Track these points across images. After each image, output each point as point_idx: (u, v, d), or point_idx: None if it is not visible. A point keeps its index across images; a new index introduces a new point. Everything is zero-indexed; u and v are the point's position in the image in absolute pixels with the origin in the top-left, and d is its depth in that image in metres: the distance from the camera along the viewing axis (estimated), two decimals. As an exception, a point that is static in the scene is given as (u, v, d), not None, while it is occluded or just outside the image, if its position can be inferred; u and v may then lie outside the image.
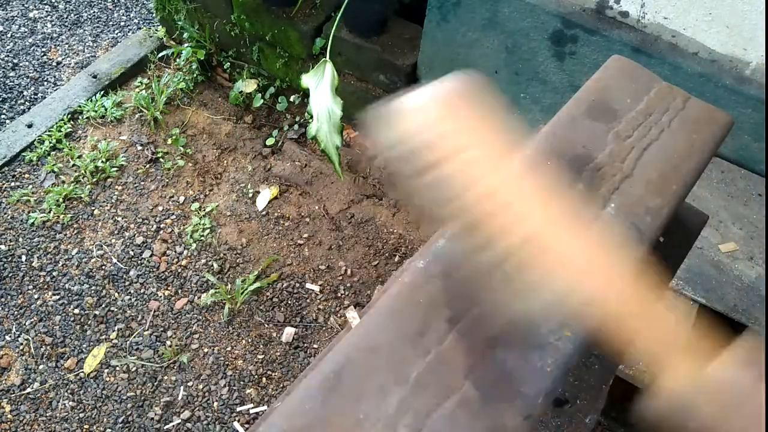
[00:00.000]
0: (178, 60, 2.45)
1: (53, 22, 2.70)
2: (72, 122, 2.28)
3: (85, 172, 2.14)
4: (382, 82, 2.15)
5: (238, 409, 1.75)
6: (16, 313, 1.86)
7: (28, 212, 2.05)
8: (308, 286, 1.98)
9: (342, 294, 1.97)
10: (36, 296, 1.90)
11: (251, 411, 1.75)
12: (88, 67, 2.47)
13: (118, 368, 1.79)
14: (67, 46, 2.62)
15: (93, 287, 1.92)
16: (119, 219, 2.07)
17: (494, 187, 0.46)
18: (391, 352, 0.48)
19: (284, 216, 2.12)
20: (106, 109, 2.31)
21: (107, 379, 1.77)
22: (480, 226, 0.45)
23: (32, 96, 2.42)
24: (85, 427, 1.69)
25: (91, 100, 2.33)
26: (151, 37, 2.57)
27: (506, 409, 0.47)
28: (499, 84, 1.96)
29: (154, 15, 2.55)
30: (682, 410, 0.41)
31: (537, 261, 0.43)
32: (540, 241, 0.44)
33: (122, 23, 2.73)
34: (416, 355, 0.48)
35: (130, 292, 1.93)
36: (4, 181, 2.12)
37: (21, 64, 2.52)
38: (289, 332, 1.88)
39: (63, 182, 2.13)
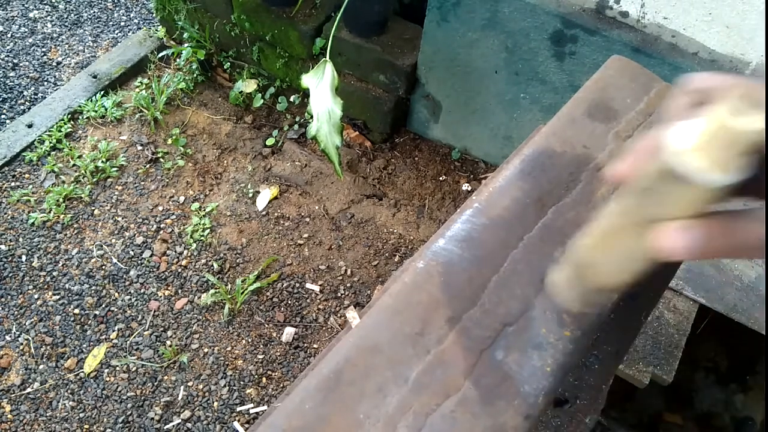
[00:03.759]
0: (178, 60, 2.45)
1: (53, 22, 2.70)
2: (72, 122, 2.28)
3: (85, 172, 2.14)
4: (382, 82, 2.15)
5: (238, 409, 1.75)
6: (16, 313, 1.86)
7: (28, 212, 2.05)
8: (308, 286, 1.98)
9: (342, 294, 1.97)
10: (36, 296, 1.90)
11: (251, 411, 1.75)
12: (88, 67, 2.47)
13: (118, 368, 1.79)
14: (67, 46, 2.62)
15: (93, 287, 1.92)
16: (119, 219, 2.07)
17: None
18: (391, 352, 0.48)
19: (284, 216, 2.12)
20: (106, 109, 2.31)
21: (107, 379, 1.77)
22: None
23: (32, 96, 2.42)
24: (85, 427, 1.69)
25: (91, 100, 2.33)
26: (151, 37, 2.57)
27: (506, 409, 0.47)
28: (499, 84, 1.96)
29: (154, 15, 2.55)
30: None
31: None
32: None
33: (122, 23, 2.73)
34: (416, 355, 0.48)
35: (130, 292, 1.93)
36: (4, 181, 2.12)
37: (21, 64, 2.52)
38: (289, 332, 1.88)
39: (63, 182, 2.13)
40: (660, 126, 0.37)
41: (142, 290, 1.93)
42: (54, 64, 2.55)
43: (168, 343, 1.84)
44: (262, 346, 1.86)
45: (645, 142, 0.37)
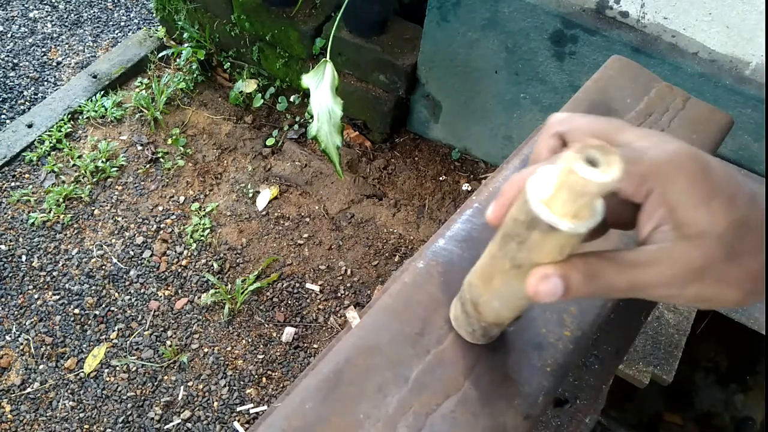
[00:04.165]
0: (178, 60, 2.45)
1: (53, 22, 2.70)
2: (72, 122, 2.28)
3: (85, 172, 2.14)
4: (382, 82, 2.15)
5: (238, 409, 1.75)
6: (16, 313, 1.86)
7: (28, 212, 2.05)
8: (308, 286, 1.98)
9: (342, 294, 1.97)
10: (36, 296, 1.90)
11: (251, 411, 1.75)
12: (88, 67, 2.47)
13: (118, 368, 1.79)
14: (67, 46, 2.62)
15: (93, 287, 1.92)
16: (119, 219, 2.07)
17: None
18: (391, 352, 0.48)
19: (284, 216, 2.12)
20: (106, 109, 2.31)
21: (107, 379, 1.77)
22: None
23: (32, 96, 2.42)
24: (85, 427, 1.69)
25: (91, 100, 2.33)
26: (151, 37, 2.57)
27: (506, 409, 0.47)
28: (499, 84, 1.96)
29: (154, 15, 2.55)
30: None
31: None
32: None
33: (122, 23, 2.73)
34: (416, 355, 0.48)
35: (130, 292, 1.93)
36: (4, 181, 2.12)
37: (21, 64, 2.52)
38: (289, 332, 1.88)
39: (63, 182, 2.13)
40: (527, 167, 0.38)
41: (142, 290, 1.93)
42: (54, 64, 2.55)
43: (168, 343, 1.84)
44: (262, 346, 1.86)
45: (510, 186, 0.37)
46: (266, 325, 1.90)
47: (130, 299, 1.91)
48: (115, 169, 2.17)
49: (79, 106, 2.31)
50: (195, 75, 2.43)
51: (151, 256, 2.00)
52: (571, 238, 0.33)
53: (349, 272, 2.01)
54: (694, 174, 0.33)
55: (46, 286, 1.92)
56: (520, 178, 0.36)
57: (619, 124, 0.37)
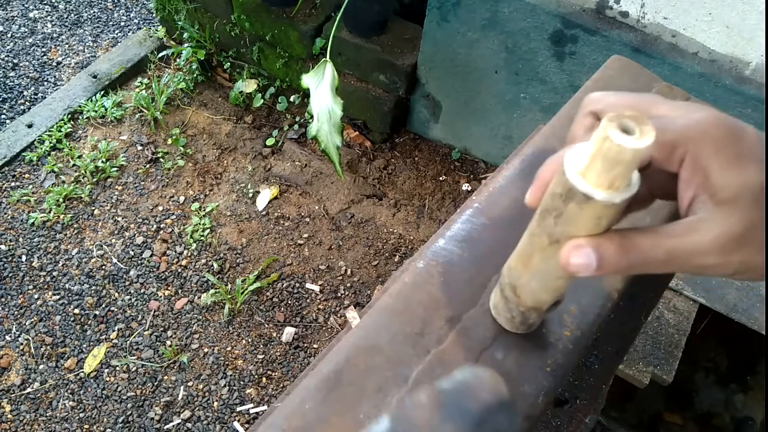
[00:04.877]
0: (178, 60, 2.45)
1: (53, 22, 2.70)
2: (72, 122, 2.28)
3: (85, 172, 2.14)
4: (382, 82, 2.15)
5: (238, 409, 1.75)
6: (16, 313, 1.86)
7: (29, 212, 2.05)
8: (308, 286, 1.98)
9: (342, 294, 1.97)
10: (36, 296, 1.90)
11: (251, 411, 1.75)
12: (88, 67, 2.47)
13: (118, 368, 1.79)
14: (67, 46, 2.62)
15: (93, 287, 1.92)
16: (119, 219, 2.07)
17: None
18: (391, 352, 0.48)
19: (284, 216, 2.12)
20: (106, 109, 2.31)
21: (107, 379, 1.77)
22: None
23: (32, 96, 2.42)
24: (85, 427, 1.69)
25: (91, 100, 2.33)
26: (151, 37, 2.57)
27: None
28: (499, 84, 1.96)
29: (154, 15, 2.55)
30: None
31: None
32: None
33: (122, 23, 2.73)
34: (416, 355, 0.48)
35: (130, 292, 1.93)
36: (4, 181, 2.12)
37: (21, 64, 2.52)
38: (289, 332, 1.88)
39: (63, 182, 2.13)
40: (564, 148, 0.38)
41: (142, 290, 1.93)
42: (54, 64, 2.55)
43: (168, 343, 1.84)
44: (262, 346, 1.86)
45: (546, 168, 0.37)
46: (266, 325, 1.90)
47: (130, 299, 1.91)
48: (115, 169, 2.17)
49: (79, 106, 2.31)
50: (195, 75, 2.43)
51: (151, 256, 2.00)
52: (607, 209, 0.33)
53: (349, 272, 2.01)
54: (721, 138, 0.33)
55: (46, 286, 1.92)
56: (557, 158, 0.37)
57: (652, 98, 0.37)
